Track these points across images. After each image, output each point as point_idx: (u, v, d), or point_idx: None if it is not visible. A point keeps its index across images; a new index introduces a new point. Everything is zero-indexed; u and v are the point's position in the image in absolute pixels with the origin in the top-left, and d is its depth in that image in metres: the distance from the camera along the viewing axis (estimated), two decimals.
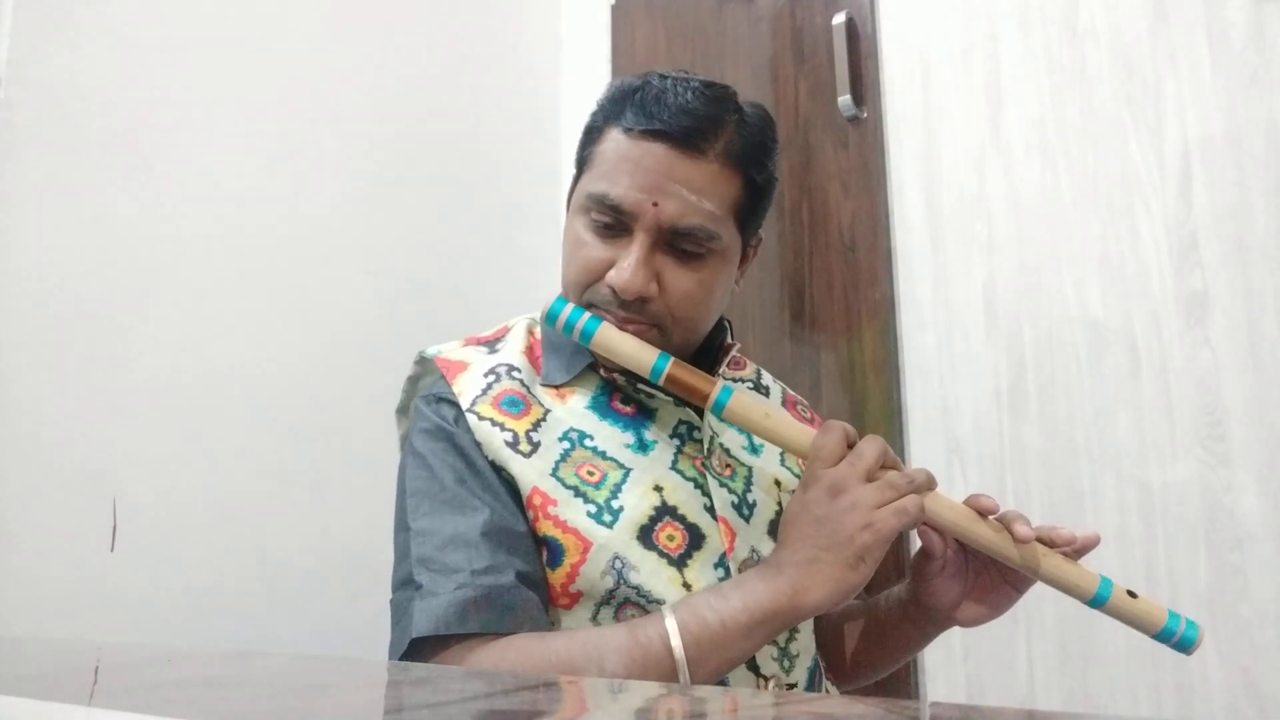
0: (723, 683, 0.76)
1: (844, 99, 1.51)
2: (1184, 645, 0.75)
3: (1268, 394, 1.10)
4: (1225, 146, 1.16)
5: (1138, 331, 1.21)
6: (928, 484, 0.73)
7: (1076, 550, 0.77)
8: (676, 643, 0.68)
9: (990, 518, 0.76)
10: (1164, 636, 0.75)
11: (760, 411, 0.78)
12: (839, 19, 1.54)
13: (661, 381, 0.78)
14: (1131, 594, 0.75)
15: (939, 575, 0.81)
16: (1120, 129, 1.25)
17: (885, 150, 1.49)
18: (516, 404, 0.82)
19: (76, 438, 1.21)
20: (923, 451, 1.39)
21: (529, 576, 0.75)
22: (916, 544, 0.82)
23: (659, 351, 0.79)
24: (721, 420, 0.82)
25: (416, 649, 0.72)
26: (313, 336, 1.48)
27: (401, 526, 0.80)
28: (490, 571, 0.73)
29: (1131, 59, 1.25)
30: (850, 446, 0.74)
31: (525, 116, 1.88)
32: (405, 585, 0.76)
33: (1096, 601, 0.75)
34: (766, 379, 1.01)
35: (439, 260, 1.69)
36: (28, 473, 1.16)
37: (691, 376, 0.79)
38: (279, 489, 1.40)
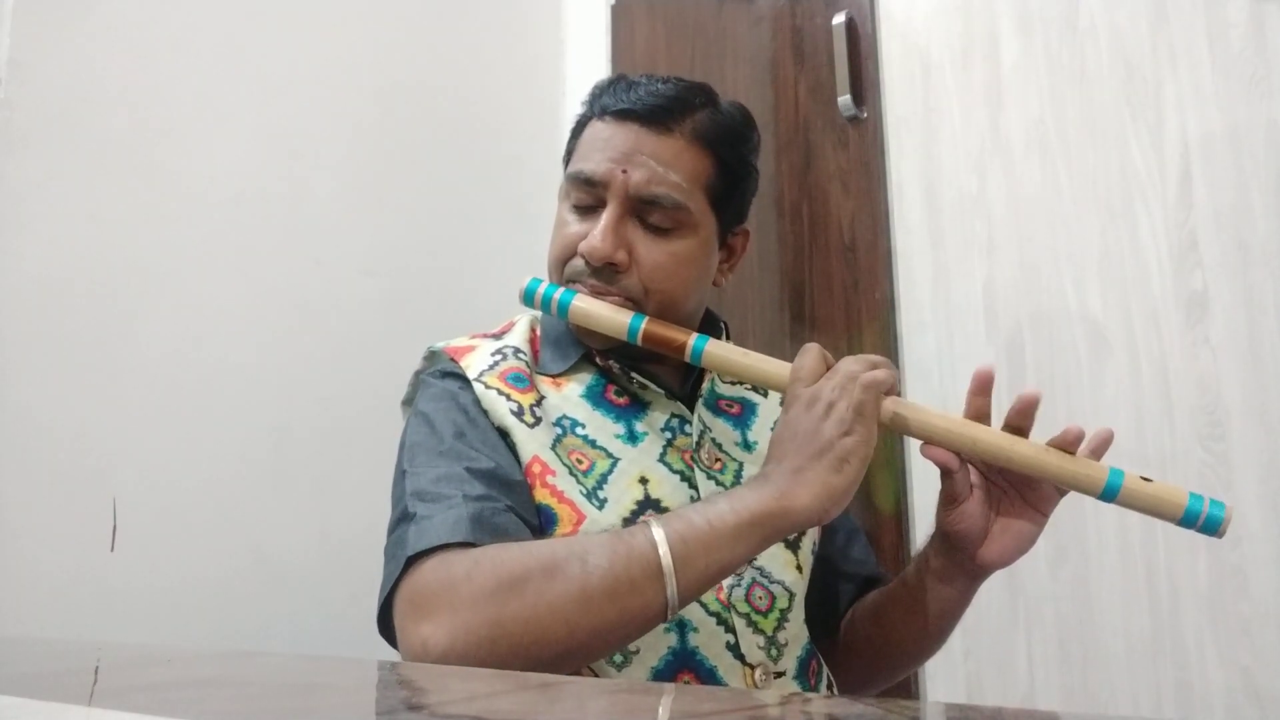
0: (711, 670, 0.76)
1: (844, 99, 1.51)
2: (1211, 527, 0.69)
3: (1268, 394, 1.10)
4: (1225, 146, 1.16)
5: (1138, 331, 1.21)
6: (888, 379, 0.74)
7: (1092, 450, 0.75)
8: (660, 537, 0.66)
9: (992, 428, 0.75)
10: (1188, 521, 0.69)
11: (738, 352, 0.81)
12: (839, 19, 1.54)
13: (639, 340, 0.81)
14: (1146, 479, 0.71)
15: (964, 498, 0.78)
16: (1120, 129, 1.25)
17: (885, 150, 1.49)
18: (521, 380, 0.84)
19: (76, 438, 1.21)
20: None
21: (524, 517, 0.74)
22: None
23: (634, 312, 0.82)
24: (703, 367, 0.84)
25: (408, 571, 0.69)
26: (312, 336, 1.48)
27: (399, 478, 0.79)
28: (484, 499, 0.72)
29: (1131, 59, 1.25)
30: (829, 367, 0.76)
31: (525, 116, 1.88)
32: (401, 521, 0.73)
33: (1109, 493, 0.71)
34: None
35: (439, 260, 1.69)
36: (28, 473, 1.16)
37: (667, 330, 0.81)
38: (278, 489, 1.40)
